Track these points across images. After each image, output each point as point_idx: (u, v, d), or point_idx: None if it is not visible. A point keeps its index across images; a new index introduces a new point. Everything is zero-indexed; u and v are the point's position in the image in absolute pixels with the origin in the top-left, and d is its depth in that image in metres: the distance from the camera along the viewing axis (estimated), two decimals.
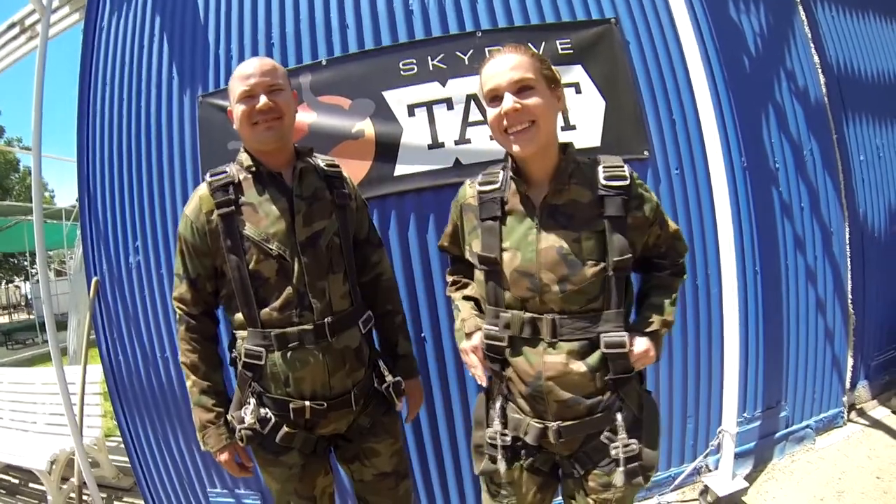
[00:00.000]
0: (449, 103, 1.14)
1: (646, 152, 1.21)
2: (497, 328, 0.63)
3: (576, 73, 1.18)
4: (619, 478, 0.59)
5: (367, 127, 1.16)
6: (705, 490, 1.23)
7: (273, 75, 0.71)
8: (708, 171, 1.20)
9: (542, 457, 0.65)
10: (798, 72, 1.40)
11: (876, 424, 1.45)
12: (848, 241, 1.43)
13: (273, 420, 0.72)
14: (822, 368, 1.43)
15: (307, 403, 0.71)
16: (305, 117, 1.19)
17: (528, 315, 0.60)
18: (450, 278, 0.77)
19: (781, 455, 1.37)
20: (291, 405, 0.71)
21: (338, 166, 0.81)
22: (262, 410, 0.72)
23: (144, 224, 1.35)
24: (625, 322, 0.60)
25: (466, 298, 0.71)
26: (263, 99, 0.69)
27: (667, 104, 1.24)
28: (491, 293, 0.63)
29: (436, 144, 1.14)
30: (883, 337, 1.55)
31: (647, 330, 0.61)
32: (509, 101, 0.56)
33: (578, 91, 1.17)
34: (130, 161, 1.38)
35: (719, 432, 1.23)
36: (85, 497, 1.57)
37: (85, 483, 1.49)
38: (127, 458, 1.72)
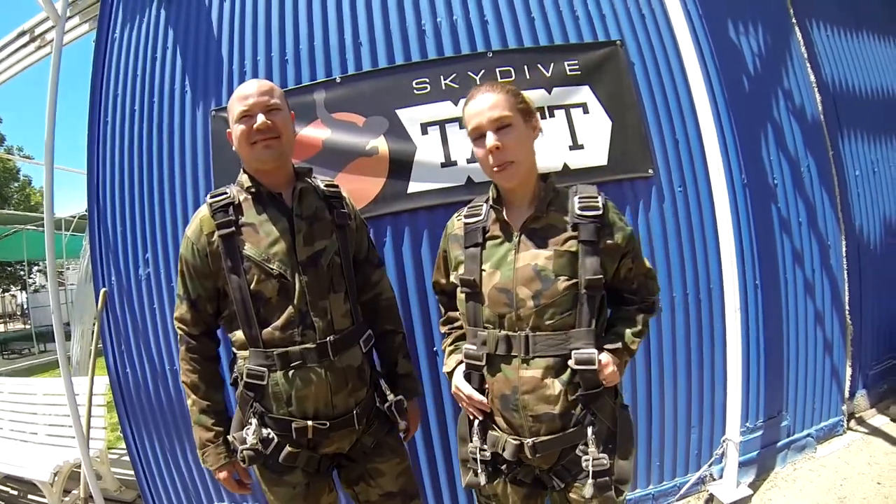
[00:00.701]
0: (461, 122, 1.17)
1: (650, 170, 1.24)
2: (475, 347, 0.67)
3: (583, 94, 1.22)
4: (588, 490, 0.62)
5: (380, 144, 1.19)
6: (710, 499, 1.26)
7: (270, 95, 0.72)
8: (710, 188, 1.24)
9: (523, 470, 0.68)
10: (795, 91, 1.45)
11: (875, 432, 1.48)
12: (845, 254, 1.47)
13: (276, 440, 0.72)
14: (822, 378, 1.46)
15: (310, 423, 0.71)
16: (320, 133, 1.21)
17: (503, 333, 0.65)
18: (443, 329, 0.80)
19: (784, 464, 1.40)
20: (294, 425, 0.71)
21: (337, 187, 0.82)
22: (265, 431, 0.72)
23: (155, 237, 1.36)
24: (595, 341, 0.63)
25: (455, 342, 0.76)
26: (261, 118, 0.70)
27: (670, 123, 1.28)
28: (470, 313, 0.68)
29: (448, 162, 1.17)
30: (880, 347, 1.59)
31: (609, 347, 0.65)
32: (491, 139, 0.62)
33: (586, 111, 1.21)
34: (142, 173, 1.39)
35: (723, 441, 1.25)
36: None
37: (90, 496, 1.48)
38: (128, 471, 1.71)
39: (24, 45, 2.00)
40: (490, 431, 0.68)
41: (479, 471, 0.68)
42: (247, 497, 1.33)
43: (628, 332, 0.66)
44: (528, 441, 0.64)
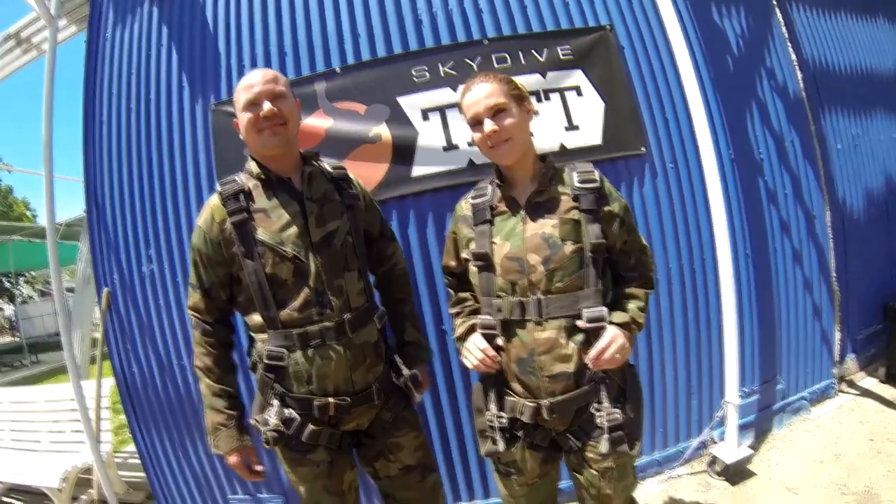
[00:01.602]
0: (461, 107, 1.20)
1: (643, 149, 1.29)
2: (490, 316, 0.71)
3: (577, 77, 1.26)
4: (604, 445, 0.65)
5: (383, 131, 1.21)
6: (713, 461, 1.31)
7: (275, 83, 0.73)
8: (700, 164, 1.29)
9: (539, 434, 0.72)
10: (777, 69, 1.51)
11: (865, 393, 1.55)
12: (829, 224, 1.54)
13: (298, 419, 0.73)
14: (813, 343, 1.53)
15: (331, 400, 0.72)
16: (322, 123, 1.23)
17: (517, 299, 0.69)
18: (453, 310, 0.82)
19: (780, 425, 1.46)
20: (315, 402, 0.72)
21: (344, 168, 0.84)
22: (287, 411, 0.72)
23: (158, 232, 1.36)
24: (603, 300, 0.68)
25: (469, 315, 0.78)
26: (267, 105, 0.71)
27: (660, 103, 1.33)
28: (484, 284, 0.72)
29: (450, 146, 1.20)
30: (867, 312, 1.65)
31: (617, 321, 0.68)
32: (489, 125, 0.68)
33: (580, 94, 1.25)
34: (141, 170, 1.38)
35: (723, 404, 1.30)
36: None
37: (103, 500, 1.47)
38: (134, 473, 1.70)
39: (11, 50, 1.97)
40: (507, 398, 0.71)
41: (498, 438, 0.70)
42: (261, 488, 1.34)
43: (633, 306, 0.70)
44: (546, 402, 0.67)
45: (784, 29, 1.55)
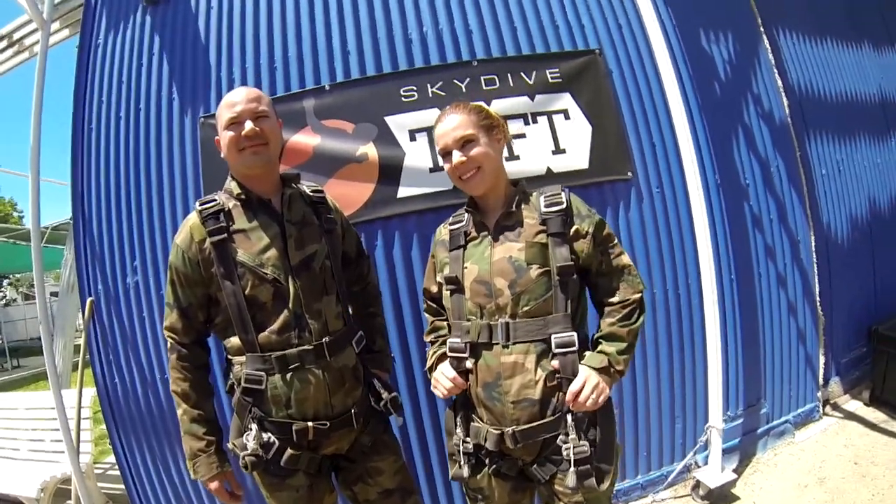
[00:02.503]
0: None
1: (629, 173, 1.30)
2: (459, 339, 0.71)
3: (565, 101, 1.27)
4: (570, 479, 0.64)
5: (370, 150, 1.21)
6: (697, 485, 1.31)
7: (259, 102, 0.74)
8: (686, 189, 1.31)
9: (506, 463, 0.71)
10: (764, 95, 1.54)
11: (850, 416, 1.56)
12: (814, 249, 1.56)
13: (276, 444, 0.72)
14: (797, 367, 1.54)
15: (310, 424, 0.72)
16: (310, 140, 1.23)
17: (485, 322, 0.69)
18: (428, 338, 0.82)
19: (764, 449, 1.47)
20: (294, 427, 0.72)
21: (322, 192, 0.84)
22: (265, 435, 0.72)
23: (144, 244, 1.35)
24: (572, 325, 0.66)
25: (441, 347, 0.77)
26: (249, 124, 0.71)
27: (647, 128, 1.35)
28: (455, 307, 0.73)
29: (437, 167, 1.20)
30: (851, 335, 1.67)
31: (596, 366, 0.65)
32: (457, 156, 0.70)
33: (567, 117, 1.26)
34: (129, 180, 1.38)
35: (707, 429, 1.31)
36: None
37: None
38: (113, 485, 1.67)
39: (2, 51, 1.96)
40: (472, 423, 0.71)
41: (463, 463, 0.71)
42: None
43: (612, 350, 0.67)
44: (509, 430, 0.67)
45: (771, 55, 1.58)
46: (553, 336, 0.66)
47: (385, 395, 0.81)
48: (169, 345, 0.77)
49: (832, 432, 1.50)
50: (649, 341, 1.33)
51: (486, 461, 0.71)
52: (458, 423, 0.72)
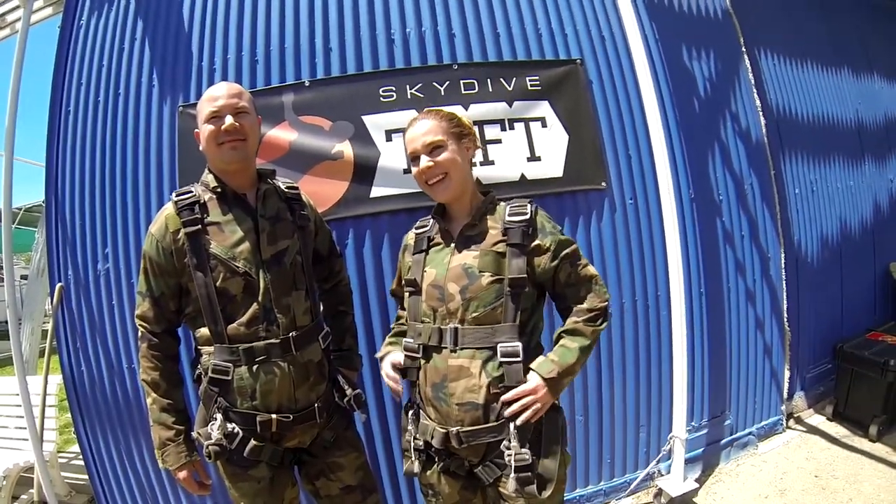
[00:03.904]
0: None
1: (603, 183, 1.32)
2: (412, 340, 0.74)
3: (543, 109, 1.28)
4: (510, 484, 0.65)
5: (346, 149, 1.21)
6: (659, 493, 1.33)
7: (239, 98, 0.74)
8: (659, 202, 1.32)
9: (454, 462, 0.72)
10: (741, 113, 1.56)
11: (812, 430, 1.59)
12: (784, 266, 1.59)
13: (240, 434, 0.73)
14: (762, 380, 1.57)
15: (273, 416, 0.73)
16: (287, 135, 1.22)
17: (436, 325, 0.71)
18: (392, 326, 0.87)
19: (727, 460, 1.49)
20: (258, 418, 0.73)
21: (297, 189, 0.85)
22: (229, 425, 0.73)
23: (116, 232, 1.33)
24: (519, 336, 0.68)
25: (394, 336, 0.83)
26: (229, 119, 0.72)
27: (624, 140, 1.36)
28: (412, 308, 0.75)
29: (411, 169, 1.20)
30: (816, 352, 1.71)
31: (547, 376, 0.66)
32: (425, 160, 0.71)
33: (544, 125, 1.27)
34: (104, 166, 1.35)
35: (670, 438, 1.33)
36: None
37: (43, 501, 1.42)
38: (78, 475, 1.64)
39: None
40: (421, 421, 0.73)
41: (413, 459, 0.73)
42: (205, 498, 1.31)
43: (576, 346, 0.68)
44: (454, 430, 0.68)
45: (751, 74, 1.61)
46: (499, 345, 0.67)
47: (349, 391, 0.82)
48: (140, 333, 0.77)
49: (795, 445, 1.53)
50: (616, 349, 1.34)
51: (436, 458, 0.73)
52: (410, 420, 0.75)
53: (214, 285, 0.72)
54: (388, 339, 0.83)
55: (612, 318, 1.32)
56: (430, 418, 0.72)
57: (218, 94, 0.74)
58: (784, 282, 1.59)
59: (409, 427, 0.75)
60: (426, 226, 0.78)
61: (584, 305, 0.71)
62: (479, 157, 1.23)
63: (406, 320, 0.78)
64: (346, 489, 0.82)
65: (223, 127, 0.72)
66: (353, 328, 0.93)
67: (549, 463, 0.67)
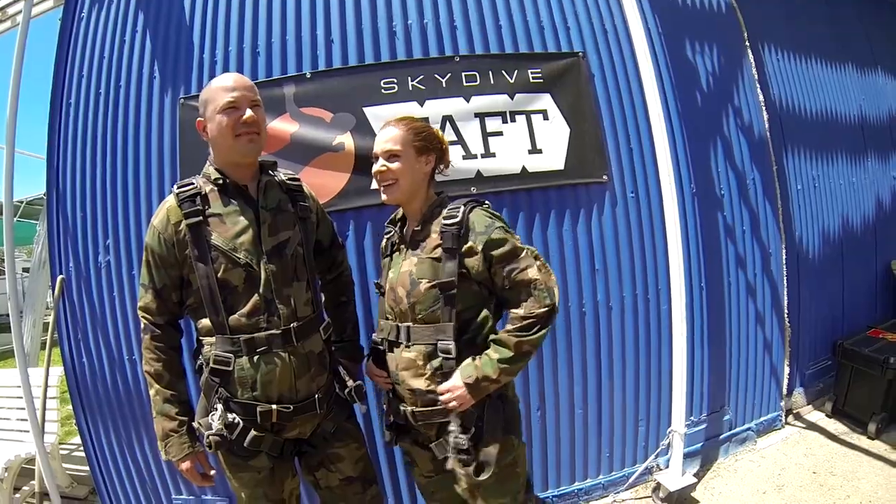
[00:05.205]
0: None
1: (605, 177, 1.31)
2: (377, 335, 0.84)
3: (544, 101, 1.27)
4: (449, 463, 0.73)
5: (347, 140, 1.21)
6: (657, 487, 1.33)
7: (254, 91, 0.75)
8: (660, 196, 1.32)
9: (420, 436, 0.81)
10: (744, 108, 1.56)
11: (811, 426, 1.59)
12: (784, 262, 1.59)
13: (241, 424, 0.73)
14: (762, 376, 1.57)
15: (274, 407, 0.74)
16: (288, 127, 1.22)
17: (395, 323, 0.79)
18: None
19: (726, 455, 1.50)
20: (259, 409, 0.73)
21: (299, 180, 0.86)
22: (230, 416, 0.73)
23: (117, 224, 1.33)
24: (455, 333, 0.74)
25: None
26: (250, 112, 0.72)
27: (625, 133, 1.36)
28: (380, 308, 0.85)
29: None
30: (816, 348, 1.71)
31: (465, 380, 0.72)
32: (378, 163, 0.78)
33: (546, 118, 1.27)
34: (105, 158, 1.36)
35: (669, 433, 1.33)
36: None
37: (45, 493, 1.42)
38: (79, 466, 1.65)
39: None
40: (391, 399, 0.83)
41: (386, 431, 0.83)
42: (206, 490, 1.31)
43: (495, 358, 0.71)
44: (409, 409, 0.78)
45: (754, 69, 1.60)
46: (438, 342, 0.74)
47: (350, 383, 0.83)
48: (143, 325, 0.77)
49: (793, 441, 1.53)
50: (616, 343, 1.34)
51: (408, 431, 0.82)
52: (384, 401, 0.86)
53: (216, 276, 0.72)
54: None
55: (613, 312, 1.33)
56: (397, 398, 0.81)
57: (235, 84, 0.73)
58: (785, 277, 1.58)
59: (384, 405, 0.85)
60: (389, 232, 0.84)
61: (520, 312, 0.71)
62: (480, 149, 1.22)
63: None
64: (346, 480, 0.83)
65: (244, 118, 0.71)
66: (354, 319, 0.94)
67: (490, 449, 0.72)
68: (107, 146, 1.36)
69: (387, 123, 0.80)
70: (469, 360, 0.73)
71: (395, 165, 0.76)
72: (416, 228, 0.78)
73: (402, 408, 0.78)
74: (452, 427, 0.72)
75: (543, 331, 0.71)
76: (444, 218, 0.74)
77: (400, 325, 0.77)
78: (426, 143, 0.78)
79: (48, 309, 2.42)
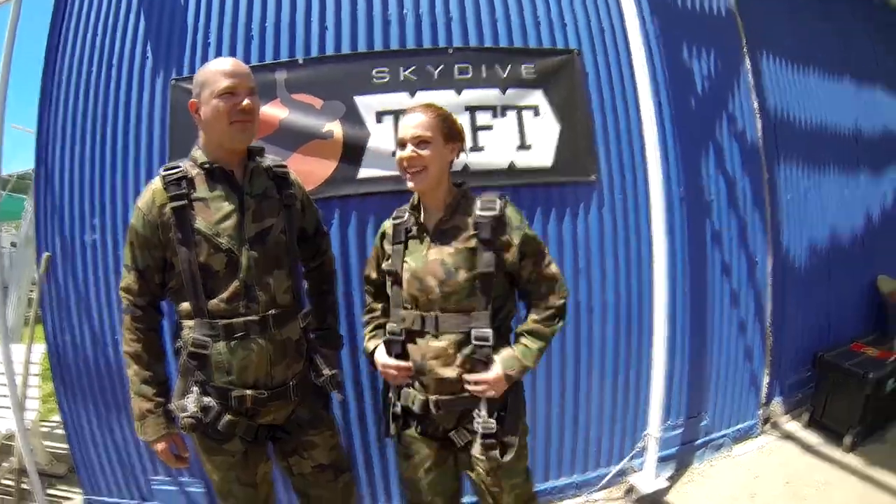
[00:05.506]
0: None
1: (593, 176, 1.31)
2: (396, 324, 0.81)
3: (536, 97, 1.26)
4: (476, 448, 0.75)
5: (336, 128, 1.20)
6: (630, 489, 1.35)
7: (251, 79, 0.75)
8: (648, 198, 1.32)
9: (431, 426, 0.81)
10: (738, 115, 1.55)
11: (788, 436, 1.60)
12: (770, 271, 1.59)
13: (216, 408, 0.74)
14: (741, 384, 1.58)
15: (248, 392, 0.74)
16: (278, 113, 1.22)
17: (418, 312, 0.78)
18: (365, 318, 0.91)
19: (701, 460, 1.51)
20: (233, 393, 0.74)
21: (286, 167, 0.86)
22: (205, 399, 0.74)
23: (104, 203, 1.33)
24: (491, 322, 0.76)
25: (374, 330, 0.88)
26: (247, 101, 0.72)
27: (616, 134, 1.35)
28: (394, 296, 0.82)
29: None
30: (797, 359, 1.71)
31: (508, 371, 0.75)
32: (408, 150, 0.76)
33: (537, 114, 1.26)
34: (94, 136, 1.35)
35: (644, 436, 1.34)
36: (23, 485, 1.50)
37: (23, 469, 1.43)
38: (59, 444, 1.65)
39: None
40: (404, 389, 0.80)
41: (391, 422, 0.82)
42: (182, 472, 1.32)
43: (535, 347, 0.76)
44: (433, 398, 0.77)
45: (751, 77, 1.59)
46: (473, 330, 0.75)
47: (326, 371, 0.83)
48: (124, 305, 0.78)
49: (769, 450, 1.54)
50: (596, 343, 1.35)
51: (414, 423, 0.81)
52: (391, 390, 0.83)
53: (198, 260, 0.72)
54: (370, 333, 0.87)
55: (594, 312, 1.33)
56: (412, 387, 0.79)
57: (234, 69, 0.72)
58: (770, 287, 1.59)
59: (391, 394, 0.82)
60: (402, 217, 0.81)
61: (545, 304, 0.78)
62: (469, 143, 1.21)
63: (385, 308, 0.84)
64: (318, 468, 0.84)
65: (242, 106, 0.71)
66: (334, 308, 0.95)
67: (512, 434, 0.76)
68: (97, 125, 1.35)
69: (412, 109, 0.78)
70: (508, 350, 0.76)
71: (425, 152, 0.74)
72: (443, 217, 0.78)
73: (420, 397, 0.78)
74: (482, 412, 0.74)
75: (562, 322, 0.79)
76: (481, 209, 0.75)
77: (425, 314, 0.76)
78: (452, 130, 0.78)
79: (33, 285, 2.42)
